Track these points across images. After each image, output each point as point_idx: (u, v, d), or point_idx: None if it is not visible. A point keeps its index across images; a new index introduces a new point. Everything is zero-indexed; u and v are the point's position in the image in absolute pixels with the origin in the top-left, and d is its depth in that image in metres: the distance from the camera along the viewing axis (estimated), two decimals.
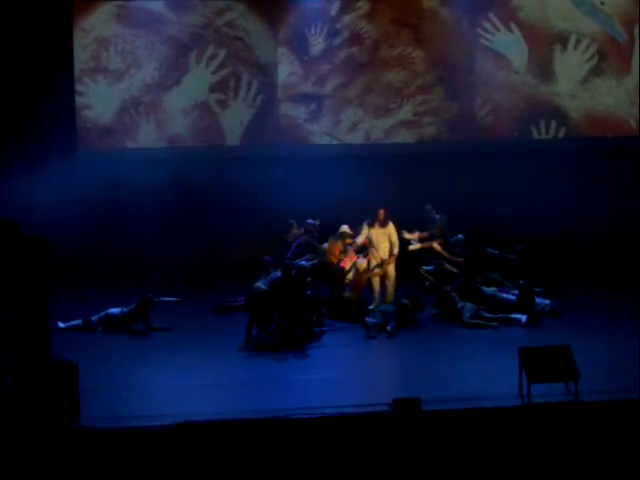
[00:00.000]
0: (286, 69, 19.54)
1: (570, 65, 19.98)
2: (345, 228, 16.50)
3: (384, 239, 16.15)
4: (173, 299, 15.77)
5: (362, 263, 16.01)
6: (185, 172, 18.64)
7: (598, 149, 19.53)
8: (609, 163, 19.43)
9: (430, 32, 19.62)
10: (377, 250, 16.12)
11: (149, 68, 19.22)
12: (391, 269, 16.19)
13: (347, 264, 16.14)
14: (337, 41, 19.61)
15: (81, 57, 19.02)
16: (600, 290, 17.35)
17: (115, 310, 15.38)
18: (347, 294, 15.90)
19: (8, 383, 10.81)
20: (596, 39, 19.87)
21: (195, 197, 18.72)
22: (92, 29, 19.02)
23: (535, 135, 19.94)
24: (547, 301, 16.02)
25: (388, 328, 14.97)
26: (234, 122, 19.48)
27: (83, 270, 18.05)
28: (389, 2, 19.57)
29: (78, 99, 18.98)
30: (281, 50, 19.50)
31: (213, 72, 19.33)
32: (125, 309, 15.35)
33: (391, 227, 16.21)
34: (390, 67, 19.65)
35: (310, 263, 15.54)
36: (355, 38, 19.62)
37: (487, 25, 19.74)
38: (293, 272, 14.84)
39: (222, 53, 19.29)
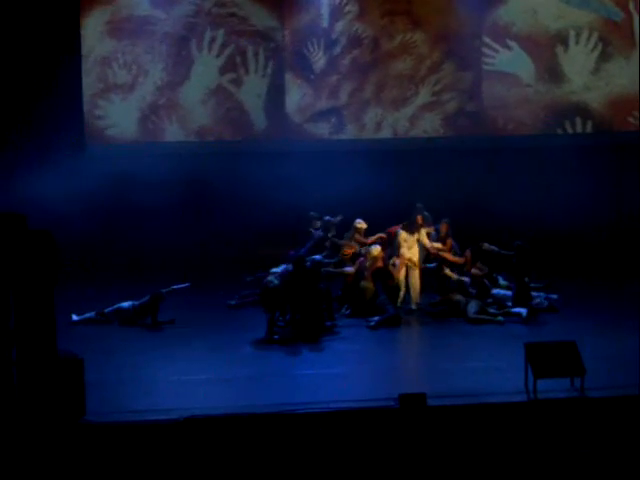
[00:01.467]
0: (297, 93, 19.56)
1: (577, 61, 19.97)
2: (359, 223, 16.40)
3: (414, 244, 16.09)
4: (182, 285, 15.77)
5: (375, 249, 15.90)
6: (195, 166, 18.63)
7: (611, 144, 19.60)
8: (618, 158, 19.43)
9: (424, 11, 19.60)
10: (405, 254, 16.02)
11: (156, 71, 19.24)
12: (416, 277, 16.09)
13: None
14: (337, 50, 19.62)
15: (88, 82, 19.08)
16: (606, 286, 17.31)
17: (126, 304, 15.43)
18: (363, 284, 15.80)
19: (14, 377, 10.83)
20: (594, 27, 19.87)
21: (205, 191, 18.73)
22: (90, 52, 19.03)
23: (551, 131, 20.03)
24: (544, 296, 16.00)
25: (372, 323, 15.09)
26: (252, 96, 19.50)
27: (91, 263, 18.05)
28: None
29: (99, 122, 19.08)
30: (287, 76, 19.47)
31: (217, 55, 19.33)
32: (136, 303, 15.40)
33: (422, 233, 16.17)
34: (395, 58, 19.65)
35: (324, 261, 15.41)
36: (354, 41, 19.62)
37: (485, 50, 19.75)
38: (307, 265, 14.83)
39: (220, 34, 19.28)
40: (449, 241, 16.46)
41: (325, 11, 19.46)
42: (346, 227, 16.64)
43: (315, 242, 16.35)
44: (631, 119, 19.79)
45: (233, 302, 16.39)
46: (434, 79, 19.70)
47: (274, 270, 15.68)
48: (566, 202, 19.03)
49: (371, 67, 19.65)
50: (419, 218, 16.14)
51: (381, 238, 16.28)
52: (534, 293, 15.92)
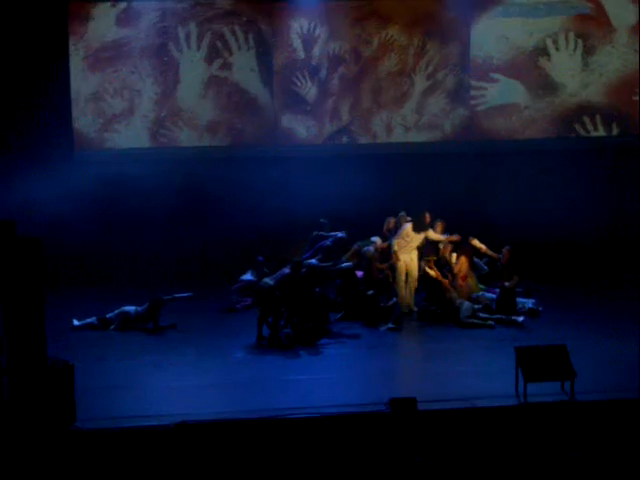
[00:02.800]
0: (302, 129, 19.52)
1: (564, 65, 19.97)
2: (377, 242, 16.36)
3: (415, 243, 16.05)
4: (184, 295, 15.78)
5: (369, 251, 15.93)
6: (184, 171, 18.61)
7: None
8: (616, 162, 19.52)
9: (388, 5, 19.57)
10: (409, 251, 16.03)
11: (147, 86, 19.14)
12: (414, 271, 16.09)
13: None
14: (323, 74, 19.56)
15: (88, 122, 19.00)
16: (596, 290, 17.33)
17: (130, 308, 15.44)
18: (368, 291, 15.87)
19: (4, 384, 10.81)
20: (568, 28, 19.87)
21: (198, 196, 18.68)
22: (78, 93, 18.90)
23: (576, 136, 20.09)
24: (529, 300, 16.03)
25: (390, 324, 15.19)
26: (246, 72, 19.40)
27: (81, 270, 18.03)
28: (336, 10, 19.52)
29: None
30: (285, 118, 19.48)
31: (198, 48, 19.24)
32: (139, 308, 15.41)
33: (430, 232, 16.15)
34: (380, 59, 19.60)
35: (320, 265, 15.40)
36: (335, 60, 19.52)
37: (474, 92, 19.79)
38: (303, 270, 14.87)
39: (192, 27, 19.13)
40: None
41: (297, 43, 19.47)
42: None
43: (321, 247, 16.24)
44: (636, 97, 19.80)
45: (239, 306, 16.45)
46: (424, 62, 19.68)
47: (243, 277, 16.28)
48: (564, 206, 19.04)
49: (361, 77, 19.64)
50: (427, 216, 16.13)
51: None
52: (520, 299, 15.95)
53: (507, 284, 15.74)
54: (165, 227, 18.50)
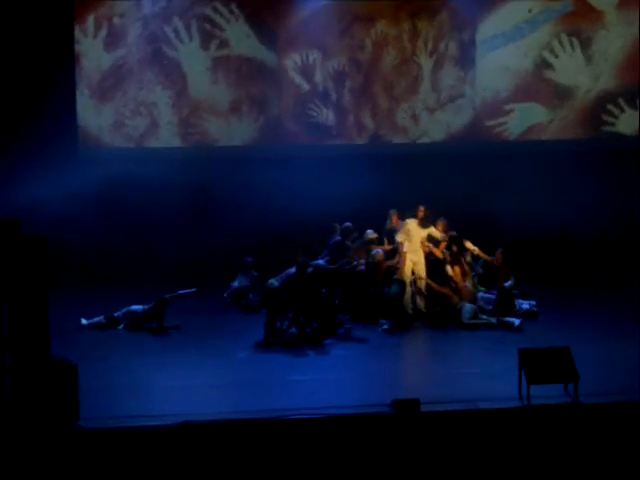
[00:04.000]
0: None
1: (569, 68, 20.09)
2: (370, 234, 16.40)
3: (417, 239, 16.06)
4: (188, 291, 15.79)
5: (378, 254, 15.95)
6: (187, 170, 18.62)
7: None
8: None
9: (366, 4, 19.68)
10: (413, 248, 16.03)
11: (159, 94, 19.26)
12: (421, 271, 16.07)
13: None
14: (333, 96, 19.66)
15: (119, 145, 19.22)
16: (599, 292, 17.32)
17: (137, 307, 15.49)
18: (372, 289, 15.84)
19: (7, 383, 10.81)
20: (558, 32, 19.99)
21: (202, 195, 18.70)
22: (100, 130, 19.16)
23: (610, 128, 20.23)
24: (527, 302, 16.02)
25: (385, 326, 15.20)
26: (244, 40, 19.46)
27: (86, 269, 18.04)
28: (323, 30, 19.53)
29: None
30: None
31: (190, 39, 19.27)
32: (146, 307, 15.44)
33: (432, 229, 16.18)
34: (379, 57, 19.67)
35: (328, 267, 15.39)
36: (338, 77, 19.65)
37: (497, 129, 19.94)
38: (310, 269, 14.87)
39: (176, 21, 19.18)
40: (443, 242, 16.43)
41: (297, 77, 19.49)
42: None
43: (333, 248, 16.22)
44: None
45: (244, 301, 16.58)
46: (421, 43, 19.71)
47: (233, 284, 16.58)
48: (570, 208, 19.05)
49: (368, 82, 19.69)
50: (421, 210, 16.13)
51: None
52: (519, 301, 15.96)
53: (507, 284, 15.74)
54: (171, 227, 18.50)
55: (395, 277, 15.77)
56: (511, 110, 20.03)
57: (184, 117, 19.39)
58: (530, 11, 19.89)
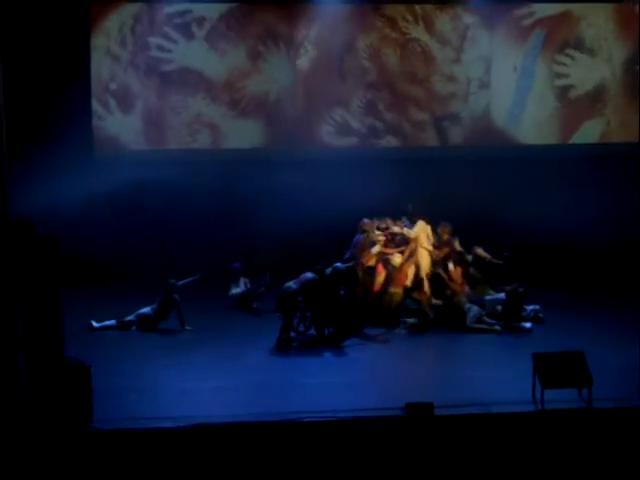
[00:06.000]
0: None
1: (580, 72, 20.14)
2: (365, 222, 16.28)
3: (425, 239, 16.04)
4: (193, 278, 15.76)
5: (396, 258, 15.92)
6: (204, 174, 18.64)
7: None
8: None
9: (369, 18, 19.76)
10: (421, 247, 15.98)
11: (176, 96, 19.31)
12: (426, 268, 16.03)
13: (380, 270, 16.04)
14: (353, 100, 19.66)
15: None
16: (615, 296, 17.26)
17: (145, 309, 15.49)
18: (392, 290, 15.78)
19: (22, 384, 10.83)
20: (547, 61, 20.07)
21: (218, 198, 18.71)
22: (114, 141, 19.19)
23: None
24: (537, 307, 15.99)
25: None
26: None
27: (100, 270, 18.07)
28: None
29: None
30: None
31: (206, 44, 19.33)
32: (154, 306, 15.43)
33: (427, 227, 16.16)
34: (386, 60, 19.69)
35: (345, 265, 15.40)
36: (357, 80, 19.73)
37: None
38: (328, 272, 14.89)
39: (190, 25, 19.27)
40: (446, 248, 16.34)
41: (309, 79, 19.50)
42: None
43: (357, 246, 16.20)
44: None
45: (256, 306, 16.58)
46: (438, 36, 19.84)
47: (232, 293, 16.57)
48: (579, 212, 19.01)
49: (387, 82, 19.76)
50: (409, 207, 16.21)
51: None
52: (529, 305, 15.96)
53: (508, 288, 15.73)
54: (187, 229, 18.52)
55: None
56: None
57: (198, 120, 19.39)
58: (515, 69, 19.99)
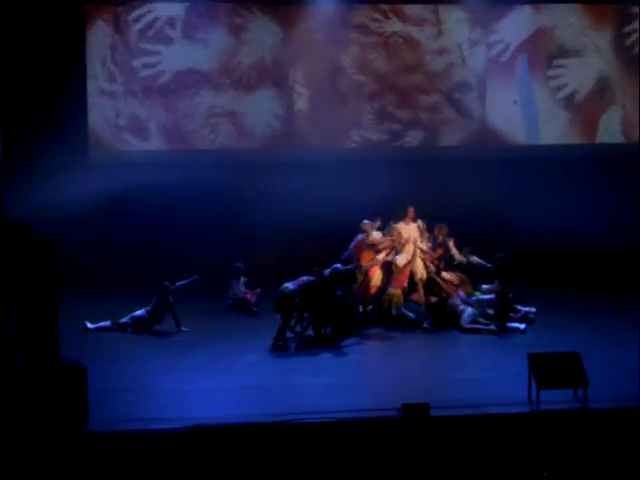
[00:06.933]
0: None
1: (576, 75, 20.17)
2: (365, 223, 16.20)
3: (414, 237, 16.05)
4: (189, 279, 15.73)
5: (401, 259, 15.90)
6: (197, 175, 18.61)
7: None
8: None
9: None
10: (408, 246, 15.98)
11: (172, 97, 19.27)
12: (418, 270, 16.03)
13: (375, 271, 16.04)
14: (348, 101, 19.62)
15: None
16: (608, 297, 17.26)
17: (140, 312, 15.48)
18: (392, 291, 15.80)
19: (17, 385, 10.82)
20: (541, 98, 20.13)
21: (214, 200, 18.67)
22: (109, 142, 19.16)
23: None
24: (533, 309, 16.01)
25: (426, 325, 15.30)
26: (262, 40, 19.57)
27: (95, 272, 18.04)
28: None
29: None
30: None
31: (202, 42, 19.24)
32: (148, 308, 15.43)
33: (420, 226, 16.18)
34: (376, 66, 19.65)
35: (345, 267, 15.40)
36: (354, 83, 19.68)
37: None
38: (326, 273, 14.92)
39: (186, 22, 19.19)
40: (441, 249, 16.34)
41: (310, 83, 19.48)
42: None
43: (356, 245, 16.18)
44: None
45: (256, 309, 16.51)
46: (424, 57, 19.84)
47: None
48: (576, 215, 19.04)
49: (390, 80, 19.75)
50: (410, 210, 16.12)
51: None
52: (521, 307, 15.95)
53: (485, 287, 15.77)
54: (183, 231, 18.49)
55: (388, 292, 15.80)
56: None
57: (213, 113, 19.35)
58: (515, 102, 19.99)
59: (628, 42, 20.15)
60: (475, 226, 17.48)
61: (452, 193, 18.53)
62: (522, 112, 20.09)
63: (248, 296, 16.61)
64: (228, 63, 19.38)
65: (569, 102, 20.18)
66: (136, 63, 19.12)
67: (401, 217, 16.16)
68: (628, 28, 20.09)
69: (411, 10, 19.71)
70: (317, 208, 17.96)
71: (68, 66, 18.57)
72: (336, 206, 17.63)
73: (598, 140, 20.28)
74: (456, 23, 19.85)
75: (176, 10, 19.19)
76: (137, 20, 19.05)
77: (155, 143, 19.27)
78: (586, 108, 20.24)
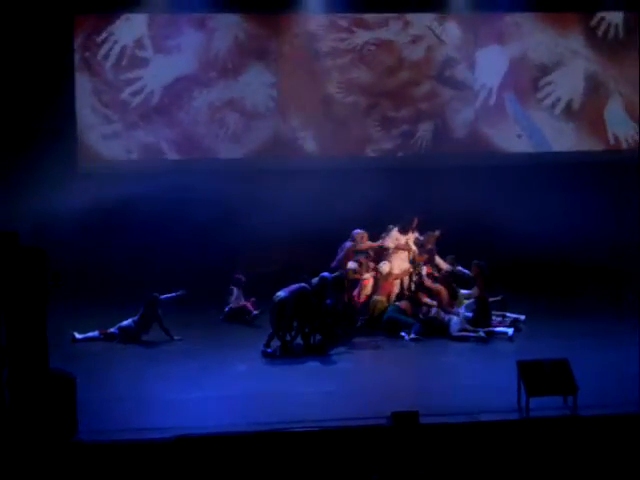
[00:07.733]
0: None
1: (565, 86, 20.09)
2: (357, 232, 16.21)
3: (403, 249, 16.12)
4: (175, 294, 15.73)
5: (384, 266, 15.94)
6: (189, 185, 18.59)
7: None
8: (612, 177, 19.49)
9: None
10: (397, 254, 16.06)
11: (161, 106, 19.21)
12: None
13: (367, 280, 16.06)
14: (377, 131, 19.59)
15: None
16: (600, 303, 17.27)
17: (126, 322, 15.44)
18: (377, 297, 15.84)
19: (6, 396, 10.79)
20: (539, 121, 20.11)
21: (205, 210, 18.63)
22: (98, 153, 19.04)
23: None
24: (522, 316, 16.02)
25: (413, 335, 15.30)
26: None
27: (85, 282, 17.98)
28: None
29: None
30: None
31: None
32: (135, 318, 15.40)
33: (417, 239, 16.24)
34: (362, 80, 19.56)
35: (333, 275, 15.42)
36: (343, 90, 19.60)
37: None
38: (315, 281, 14.97)
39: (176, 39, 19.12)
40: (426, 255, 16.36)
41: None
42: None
43: (345, 253, 16.21)
44: None
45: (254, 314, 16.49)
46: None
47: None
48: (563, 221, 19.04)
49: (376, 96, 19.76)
50: (415, 220, 16.20)
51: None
52: (509, 314, 15.97)
53: (464, 292, 15.81)
54: (172, 242, 18.45)
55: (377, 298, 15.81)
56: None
57: (215, 110, 19.30)
58: (520, 136, 19.99)
59: (600, 32, 20.03)
60: (465, 233, 17.45)
61: (447, 201, 18.53)
62: (530, 142, 20.04)
63: (248, 305, 16.59)
64: (207, 56, 19.26)
65: (568, 112, 20.08)
66: (124, 96, 19.04)
67: (405, 226, 16.21)
68: (594, 21, 19.95)
69: (370, 16, 19.61)
70: (311, 217, 17.92)
71: (58, 80, 18.55)
72: (330, 215, 17.62)
73: (609, 135, 20.13)
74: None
75: (138, 30, 19.03)
76: (106, 57, 18.91)
77: (174, 157, 19.28)
78: (587, 110, 20.12)
